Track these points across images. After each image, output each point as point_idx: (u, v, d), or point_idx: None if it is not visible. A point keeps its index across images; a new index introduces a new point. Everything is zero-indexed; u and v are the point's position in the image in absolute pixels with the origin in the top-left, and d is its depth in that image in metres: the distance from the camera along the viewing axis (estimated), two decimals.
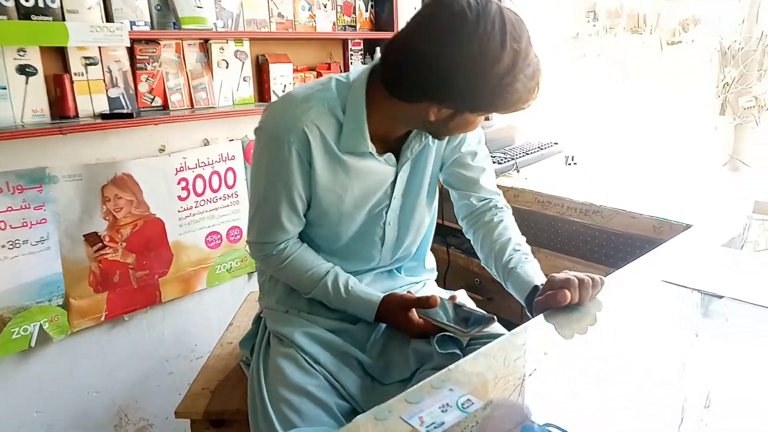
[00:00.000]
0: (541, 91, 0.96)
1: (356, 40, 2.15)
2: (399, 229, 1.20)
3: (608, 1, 2.16)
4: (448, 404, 0.76)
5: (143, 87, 1.61)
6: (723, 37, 1.85)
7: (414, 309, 1.06)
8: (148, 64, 1.60)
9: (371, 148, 1.05)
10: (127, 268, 1.68)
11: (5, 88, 1.37)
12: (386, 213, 1.16)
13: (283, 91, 1.90)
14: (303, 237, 1.16)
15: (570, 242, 1.73)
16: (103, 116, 1.51)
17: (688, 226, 1.40)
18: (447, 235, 2.10)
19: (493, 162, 1.96)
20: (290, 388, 0.98)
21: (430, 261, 1.36)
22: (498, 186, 1.79)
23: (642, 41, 2.07)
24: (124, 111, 1.54)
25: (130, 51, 1.57)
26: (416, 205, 1.19)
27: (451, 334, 1.02)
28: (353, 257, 1.18)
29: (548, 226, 1.77)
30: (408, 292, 1.14)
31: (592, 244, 1.67)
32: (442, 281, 2.20)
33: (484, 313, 1.05)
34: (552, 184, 1.81)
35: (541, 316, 0.97)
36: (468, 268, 2.07)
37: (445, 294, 1.25)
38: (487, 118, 2.13)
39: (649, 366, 0.84)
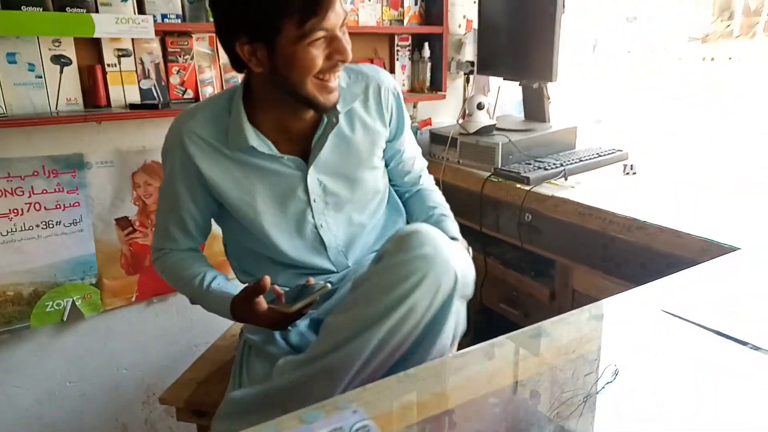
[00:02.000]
0: None
1: (403, 35, 2.08)
2: (341, 230, 1.12)
3: None
4: (341, 429, 0.68)
5: (174, 79, 1.66)
6: None
7: (260, 298, 0.98)
8: (180, 56, 1.65)
9: (254, 141, 1.00)
10: None
11: (41, 77, 1.47)
12: (313, 216, 1.09)
13: None
14: (248, 253, 1.15)
15: (610, 260, 1.53)
16: (132, 106, 1.57)
17: (734, 249, 1.17)
18: (486, 244, 1.95)
19: (540, 167, 1.79)
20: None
21: None
22: (537, 193, 1.64)
23: None
24: (152, 102, 1.59)
25: (163, 43, 1.63)
26: (352, 200, 1.11)
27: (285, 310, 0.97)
28: (306, 269, 1.12)
29: (587, 241, 1.58)
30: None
31: (633, 263, 1.46)
32: (478, 292, 2.05)
33: (324, 283, 1.00)
34: (598, 195, 1.61)
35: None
36: (505, 280, 1.91)
37: None
38: (480, 106, 1.96)
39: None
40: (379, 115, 1.12)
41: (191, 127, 1.02)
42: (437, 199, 1.30)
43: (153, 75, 1.62)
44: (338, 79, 0.96)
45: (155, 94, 1.63)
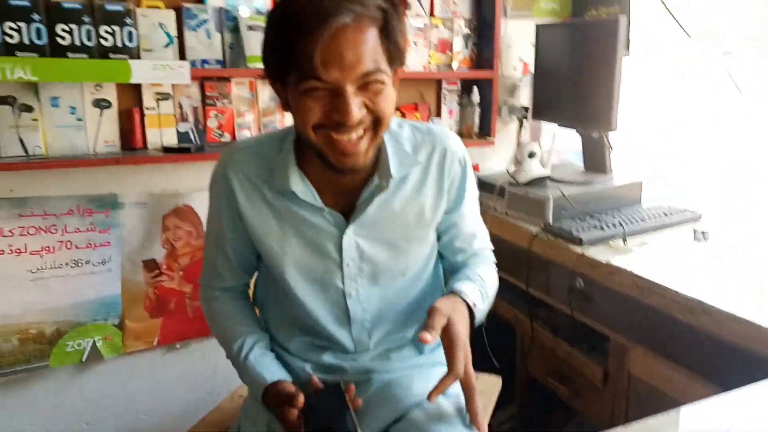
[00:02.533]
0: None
1: (452, 80, 1.98)
2: (371, 305, 1.00)
3: None
4: None
5: (212, 122, 1.64)
6: None
7: (293, 409, 0.87)
8: (218, 100, 1.63)
9: (297, 186, 0.91)
10: (183, 296, 1.71)
11: (81, 120, 1.49)
12: (343, 282, 0.97)
13: None
14: (272, 304, 1.08)
15: (672, 343, 1.32)
16: (166, 149, 1.56)
17: None
18: (533, 306, 1.78)
19: (596, 226, 1.62)
20: None
21: None
22: (590, 258, 1.47)
23: None
24: (185, 146, 1.57)
25: (202, 87, 1.62)
26: (391, 273, 0.99)
27: None
28: (323, 339, 1.02)
29: (646, 319, 1.38)
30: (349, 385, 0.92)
31: (698, 352, 1.25)
32: (524, 361, 1.87)
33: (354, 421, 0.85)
34: (661, 265, 1.42)
35: None
36: (554, 352, 1.72)
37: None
38: (532, 155, 1.79)
39: None
40: (437, 183, 0.99)
41: (237, 160, 0.96)
42: (480, 270, 1.08)
43: (191, 118, 1.61)
44: (360, 142, 0.83)
45: (192, 137, 1.62)
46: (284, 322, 1.07)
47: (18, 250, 1.47)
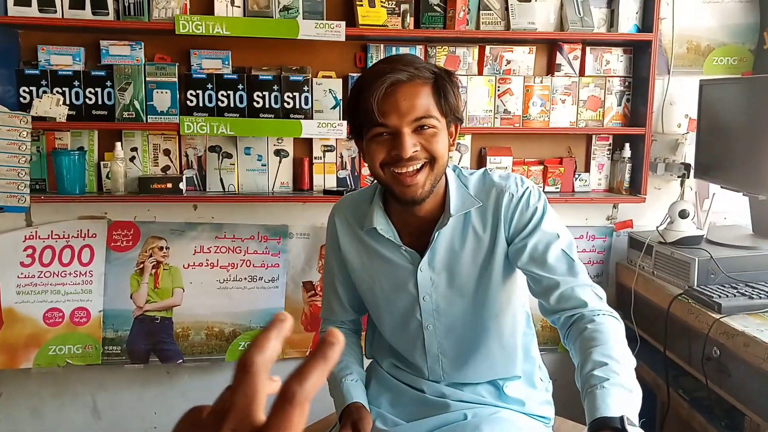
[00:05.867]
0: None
1: (602, 135, 1.99)
2: (447, 341, 1.11)
3: None
4: None
5: (365, 171, 1.92)
6: None
7: None
8: None
9: (380, 224, 1.06)
10: None
11: (265, 165, 1.88)
12: (420, 315, 1.10)
13: None
14: (372, 325, 1.23)
15: None
16: (326, 191, 1.88)
17: None
18: (671, 372, 1.65)
19: (744, 294, 1.48)
20: None
21: (540, 392, 1.17)
22: (726, 325, 1.38)
23: None
24: (342, 189, 1.87)
25: None
26: (465, 311, 1.08)
27: None
28: (404, 362, 1.16)
29: None
30: None
31: None
32: (659, 430, 1.72)
33: None
34: None
35: None
36: (690, 424, 1.57)
37: None
38: (684, 215, 1.61)
39: None
40: (493, 219, 1.07)
41: (341, 206, 1.19)
42: (608, 348, 0.92)
43: (348, 167, 1.92)
44: (417, 175, 0.99)
45: (348, 182, 1.92)
46: (379, 341, 1.24)
47: (212, 264, 1.90)
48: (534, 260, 1.04)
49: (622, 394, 0.84)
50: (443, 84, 0.98)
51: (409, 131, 0.97)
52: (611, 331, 0.95)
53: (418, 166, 0.99)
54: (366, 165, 1.13)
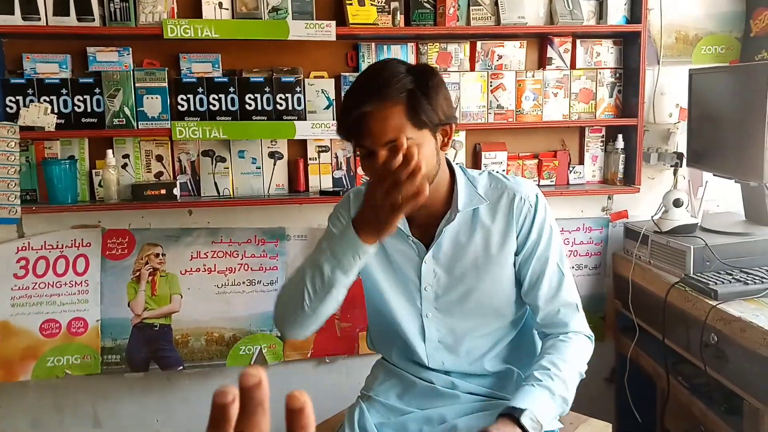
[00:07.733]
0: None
1: (595, 127, 2.00)
2: (445, 328, 1.14)
3: None
4: None
5: (361, 170, 1.91)
6: None
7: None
8: None
9: None
10: (333, 318, 1.97)
11: (260, 168, 1.87)
12: (420, 303, 1.12)
13: None
14: (382, 331, 1.25)
15: None
16: (322, 192, 1.87)
17: None
18: (670, 359, 1.67)
19: (739, 280, 1.50)
20: None
21: None
22: (723, 312, 1.41)
23: None
24: (338, 189, 1.86)
25: None
26: (465, 304, 1.11)
27: None
28: (407, 349, 1.17)
29: None
30: None
31: None
32: (658, 421, 1.74)
33: None
34: None
35: None
36: (690, 410, 1.59)
37: None
38: (678, 203, 1.63)
39: None
40: (506, 220, 1.11)
41: (351, 198, 1.21)
42: (558, 359, 1.06)
43: (344, 167, 1.91)
44: None
45: (344, 182, 1.91)
46: (381, 336, 1.26)
47: (209, 269, 1.89)
48: (531, 284, 1.13)
49: (543, 395, 1.00)
50: (418, 100, 0.99)
51: (384, 151, 0.99)
52: (573, 347, 1.09)
53: None
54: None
